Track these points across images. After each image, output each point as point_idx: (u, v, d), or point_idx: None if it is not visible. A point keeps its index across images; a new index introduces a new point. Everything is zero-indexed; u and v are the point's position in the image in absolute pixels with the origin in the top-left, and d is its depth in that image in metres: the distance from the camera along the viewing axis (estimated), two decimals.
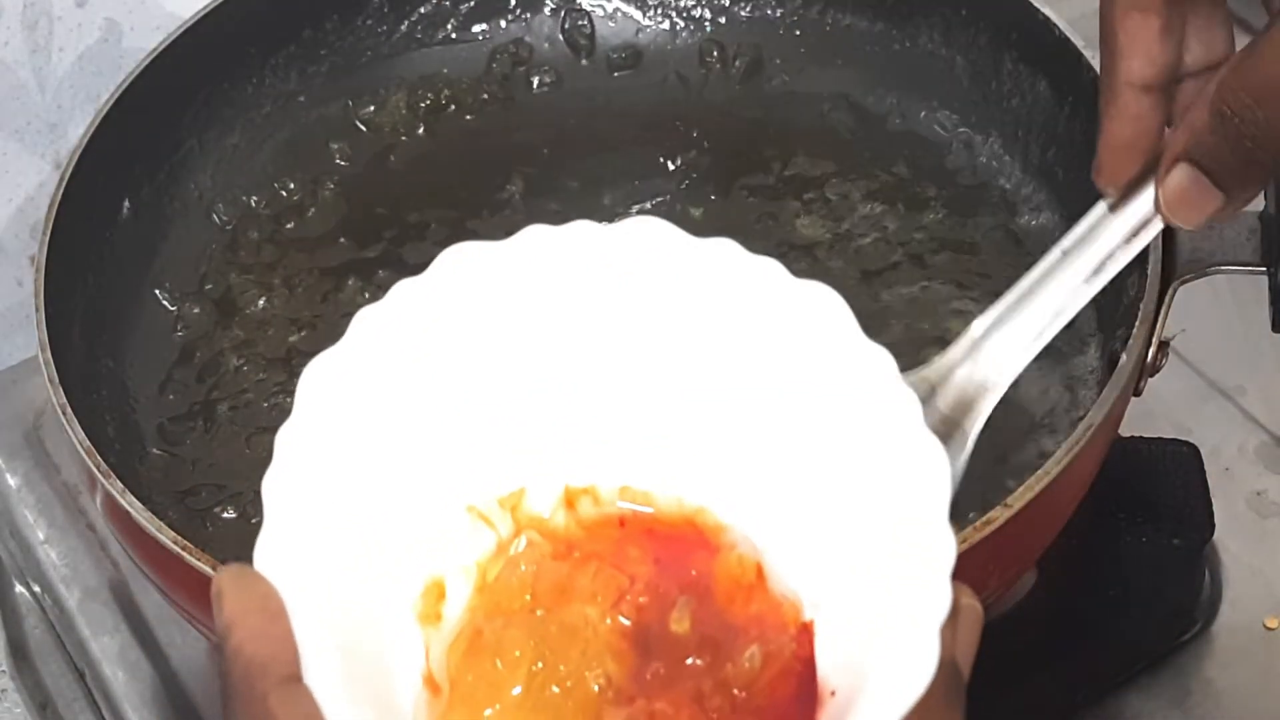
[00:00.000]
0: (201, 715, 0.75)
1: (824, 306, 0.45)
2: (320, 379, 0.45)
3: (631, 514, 0.49)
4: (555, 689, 0.45)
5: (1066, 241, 0.58)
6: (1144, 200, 0.56)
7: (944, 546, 0.41)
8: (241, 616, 0.42)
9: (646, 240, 0.47)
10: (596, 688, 0.45)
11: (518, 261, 0.47)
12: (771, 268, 0.46)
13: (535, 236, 0.48)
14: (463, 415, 0.48)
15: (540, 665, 0.45)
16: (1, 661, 0.82)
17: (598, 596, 0.46)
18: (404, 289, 0.47)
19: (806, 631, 0.46)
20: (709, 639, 0.46)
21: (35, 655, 0.80)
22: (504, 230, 0.79)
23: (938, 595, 0.41)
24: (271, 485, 0.44)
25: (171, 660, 0.76)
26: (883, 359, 0.44)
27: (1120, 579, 0.74)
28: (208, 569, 0.59)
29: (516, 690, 0.44)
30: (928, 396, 0.58)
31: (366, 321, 0.46)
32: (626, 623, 0.46)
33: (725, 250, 0.47)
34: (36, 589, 0.81)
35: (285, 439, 0.44)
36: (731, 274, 0.47)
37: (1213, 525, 0.75)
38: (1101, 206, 0.58)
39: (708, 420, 0.48)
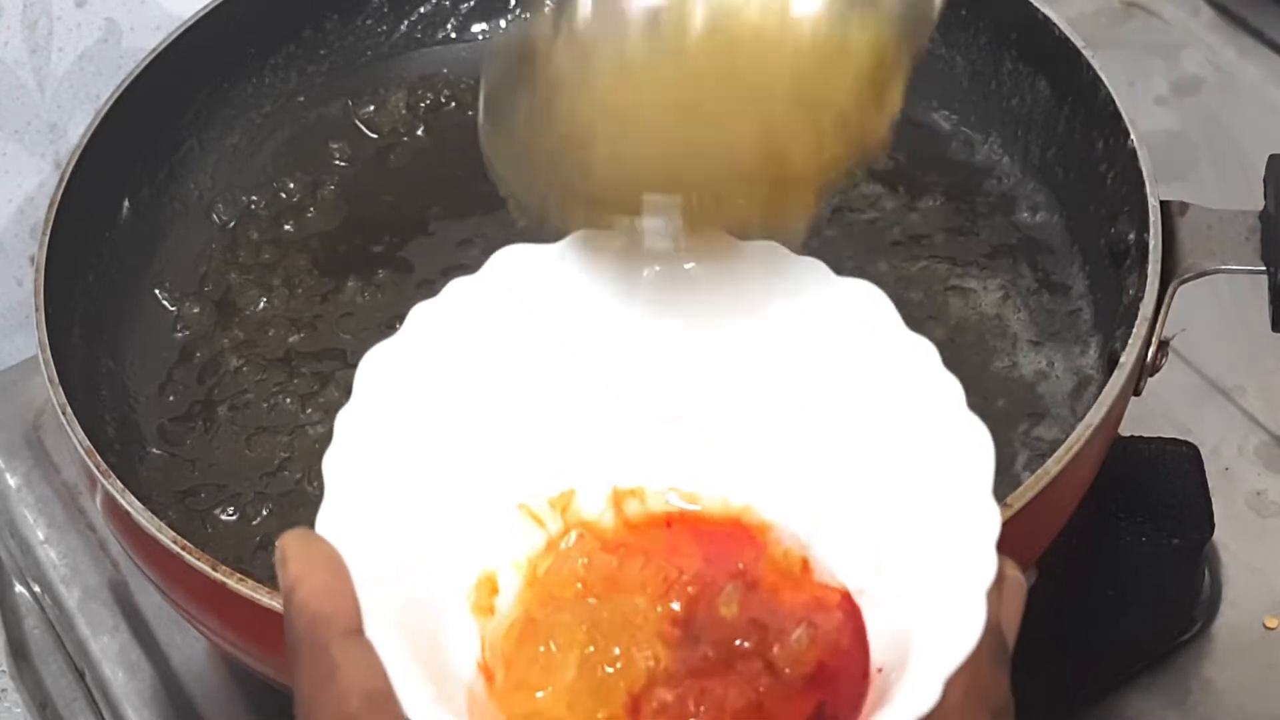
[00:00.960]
0: (201, 715, 0.75)
1: (866, 301, 0.47)
2: (378, 368, 0.47)
3: (679, 513, 0.50)
4: (608, 669, 0.45)
5: None
6: None
7: (989, 518, 0.42)
8: (307, 573, 0.43)
9: (693, 242, 0.48)
10: (647, 668, 0.45)
11: (567, 262, 0.49)
12: (814, 266, 0.47)
13: (584, 239, 0.49)
14: (514, 413, 0.49)
15: (592, 649, 0.46)
16: (1, 661, 0.82)
17: (647, 586, 0.47)
18: (458, 286, 0.48)
19: (853, 612, 0.46)
20: (757, 622, 0.46)
21: (35, 655, 0.80)
22: (505, 230, 0.80)
23: (984, 561, 0.42)
24: (332, 462, 0.45)
25: (171, 660, 0.76)
26: (925, 348, 0.46)
27: (1120, 579, 0.74)
28: (208, 569, 0.59)
29: (569, 673, 0.45)
30: None
31: (422, 316, 0.48)
32: (676, 608, 0.47)
33: (769, 250, 0.48)
34: (36, 589, 0.81)
35: (345, 421, 0.46)
36: (775, 273, 0.48)
37: (1212, 525, 0.75)
38: None
39: (753, 417, 0.49)
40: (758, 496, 0.49)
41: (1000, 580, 0.42)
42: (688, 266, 0.48)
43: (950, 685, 0.41)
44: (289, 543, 0.44)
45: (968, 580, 0.42)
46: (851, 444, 0.47)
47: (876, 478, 0.46)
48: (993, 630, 0.42)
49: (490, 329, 0.48)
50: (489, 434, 0.49)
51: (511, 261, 0.49)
